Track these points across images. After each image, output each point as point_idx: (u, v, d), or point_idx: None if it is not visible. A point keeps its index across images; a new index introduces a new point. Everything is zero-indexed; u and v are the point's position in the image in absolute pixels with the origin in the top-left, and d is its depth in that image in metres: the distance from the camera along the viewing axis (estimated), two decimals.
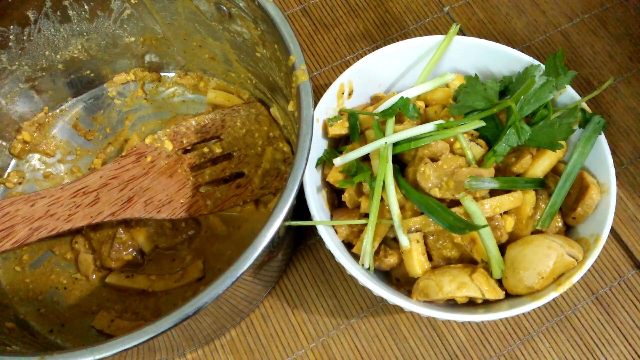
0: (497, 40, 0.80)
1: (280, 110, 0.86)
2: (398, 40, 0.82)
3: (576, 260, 0.68)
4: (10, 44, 0.80)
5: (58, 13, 0.81)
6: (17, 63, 0.83)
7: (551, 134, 0.71)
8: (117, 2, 0.83)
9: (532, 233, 0.72)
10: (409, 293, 0.71)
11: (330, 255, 0.70)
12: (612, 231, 0.86)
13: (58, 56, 0.86)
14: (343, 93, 0.79)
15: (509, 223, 0.70)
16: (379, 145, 0.70)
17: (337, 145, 0.82)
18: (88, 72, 0.91)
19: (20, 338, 0.74)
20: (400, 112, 0.74)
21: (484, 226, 0.65)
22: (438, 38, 0.80)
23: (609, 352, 0.80)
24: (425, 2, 1.04)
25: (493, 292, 0.67)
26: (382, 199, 0.70)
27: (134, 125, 0.92)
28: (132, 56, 0.92)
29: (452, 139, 0.71)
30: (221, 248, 0.83)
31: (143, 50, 0.91)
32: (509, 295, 0.70)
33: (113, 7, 0.84)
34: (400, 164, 0.75)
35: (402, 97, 0.74)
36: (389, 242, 0.73)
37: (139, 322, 0.79)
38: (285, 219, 0.61)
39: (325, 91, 0.77)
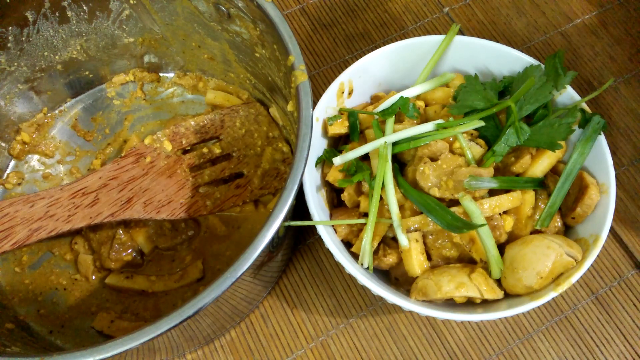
0: (497, 42, 0.80)
1: (279, 111, 0.86)
2: (397, 41, 0.82)
3: (575, 260, 0.68)
4: (9, 44, 0.80)
5: (57, 14, 0.81)
6: (15, 64, 0.83)
7: (551, 134, 0.71)
8: (116, 2, 0.83)
9: (532, 233, 0.72)
10: (407, 292, 0.71)
11: (330, 255, 0.70)
12: (612, 231, 0.86)
13: (57, 57, 0.86)
14: (343, 92, 0.79)
15: (508, 223, 0.70)
16: (379, 145, 0.70)
17: (337, 144, 0.82)
18: (87, 72, 0.92)
19: (20, 339, 0.74)
20: (400, 111, 0.74)
21: (482, 225, 0.65)
22: (438, 38, 0.80)
23: (609, 352, 0.80)
24: (424, 2, 1.04)
25: (492, 292, 0.67)
26: (381, 199, 0.70)
27: (133, 125, 0.92)
28: (131, 57, 0.92)
29: (451, 139, 0.71)
30: (221, 248, 0.83)
31: (142, 50, 0.91)
32: (507, 295, 0.69)
33: (112, 8, 0.84)
34: (400, 163, 0.75)
35: (401, 97, 0.74)
36: (388, 241, 0.73)
37: (139, 323, 0.78)
38: (285, 219, 0.61)
39: (323, 91, 0.77)
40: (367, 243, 0.69)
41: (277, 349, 0.80)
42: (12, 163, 0.90)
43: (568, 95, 0.76)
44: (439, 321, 0.82)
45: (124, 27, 0.87)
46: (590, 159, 0.74)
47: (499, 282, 0.70)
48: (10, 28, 0.79)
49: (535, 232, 0.72)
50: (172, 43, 0.90)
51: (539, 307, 0.68)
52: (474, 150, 0.71)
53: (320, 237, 0.70)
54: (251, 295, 0.76)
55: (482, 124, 0.70)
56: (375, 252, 0.72)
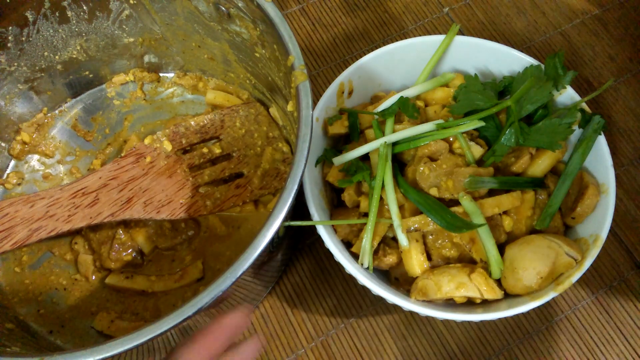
0: (497, 42, 0.80)
1: (279, 111, 0.86)
2: (397, 41, 0.82)
3: (575, 260, 0.68)
4: (9, 44, 0.80)
5: (57, 14, 0.81)
6: (15, 64, 0.83)
7: (551, 134, 0.71)
8: (116, 2, 0.83)
9: (531, 233, 0.72)
10: (407, 292, 0.71)
11: (330, 255, 0.70)
12: (612, 231, 0.86)
13: (57, 57, 0.86)
14: (343, 92, 0.79)
15: (508, 223, 0.70)
16: (379, 145, 0.70)
17: (337, 144, 0.82)
18: (87, 72, 0.91)
19: (20, 339, 0.74)
20: (400, 111, 0.74)
21: (482, 225, 0.65)
22: (438, 38, 0.80)
23: (609, 352, 0.80)
24: (424, 2, 1.04)
25: (492, 292, 0.67)
26: (381, 199, 0.70)
27: (133, 125, 0.92)
28: (131, 57, 0.92)
29: (451, 139, 0.71)
30: (221, 248, 0.83)
31: (142, 50, 0.91)
32: (508, 295, 0.69)
33: (112, 8, 0.84)
34: (400, 163, 0.75)
35: (401, 97, 0.74)
36: (388, 241, 0.73)
37: (139, 323, 0.78)
38: (285, 219, 0.61)
39: (323, 91, 0.77)
40: (367, 243, 0.69)
41: (277, 348, 0.80)
42: (12, 163, 0.90)
43: (568, 95, 0.76)
44: (439, 321, 0.82)
45: (124, 27, 0.87)
46: (590, 159, 0.74)
47: (499, 282, 0.70)
48: (10, 28, 0.79)
49: (535, 232, 0.72)
50: (172, 43, 0.90)
51: (539, 307, 0.68)
52: (474, 150, 0.71)
53: (320, 237, 0.70)
54: (251, 295, 0.76)
55: (482, 124, 0.70)
56: (375, 252, 0.72)
